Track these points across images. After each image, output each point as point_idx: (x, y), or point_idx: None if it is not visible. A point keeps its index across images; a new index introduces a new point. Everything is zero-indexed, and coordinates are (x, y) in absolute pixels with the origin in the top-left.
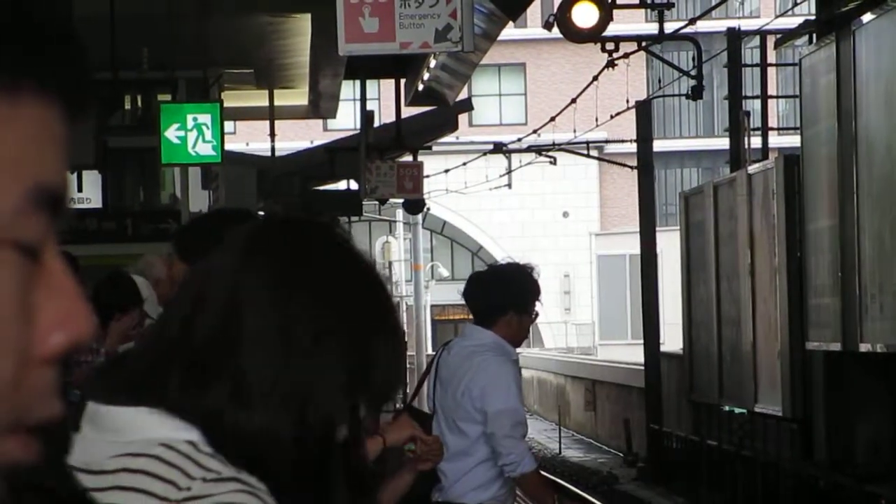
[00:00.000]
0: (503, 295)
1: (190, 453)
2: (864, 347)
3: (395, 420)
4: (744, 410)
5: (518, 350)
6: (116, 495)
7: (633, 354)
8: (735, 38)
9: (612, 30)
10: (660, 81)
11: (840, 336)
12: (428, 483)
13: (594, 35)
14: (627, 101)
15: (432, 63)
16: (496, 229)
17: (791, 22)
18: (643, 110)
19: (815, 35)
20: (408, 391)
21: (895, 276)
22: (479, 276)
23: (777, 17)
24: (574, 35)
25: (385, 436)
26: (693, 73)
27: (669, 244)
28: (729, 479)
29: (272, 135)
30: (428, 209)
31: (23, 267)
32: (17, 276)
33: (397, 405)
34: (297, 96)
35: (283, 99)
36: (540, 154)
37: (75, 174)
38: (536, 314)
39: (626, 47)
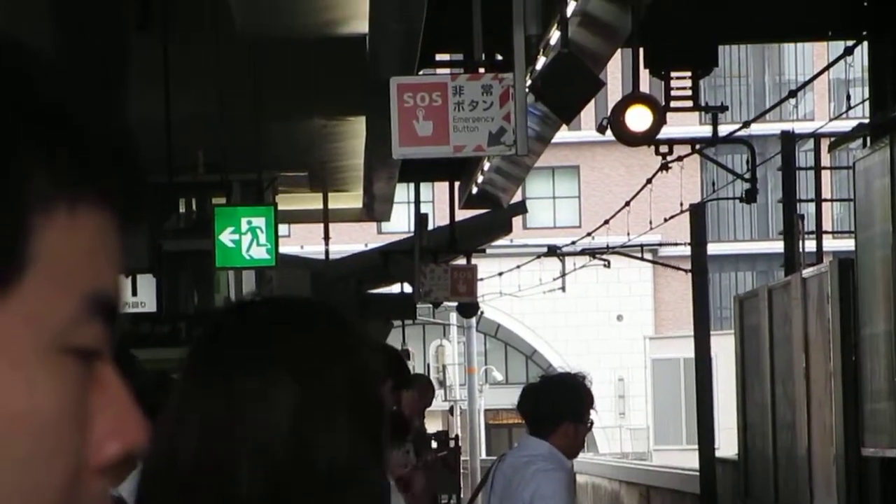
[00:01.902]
0: (558, 405)
1: None
2: None
3: None
4: None
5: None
6: None
7: (688, 459)
8: (789, 140)
9: (665, 132)
10: (714, 184)
11: None
12: None
13: (648, 138)
14: (681, 204)
15: (486, 166)
16: (550, 332)
17: (845, 125)
18: (697, 213)
19: (869, 138)
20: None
21: None
22: (533, 387)
23: (831, 120)
24: (628, 138)
25: None
26: (747, 175)
27: (724, 348)
28: None
29: (326, 238)
30: (482, 312)
31: (80, 374)
32: (74, 384)
33: None
34: (352, 199)
35: (338, 202)
36: (594, 257)
37: (130, 278)
38: (592, 423)
39: (679, 150)
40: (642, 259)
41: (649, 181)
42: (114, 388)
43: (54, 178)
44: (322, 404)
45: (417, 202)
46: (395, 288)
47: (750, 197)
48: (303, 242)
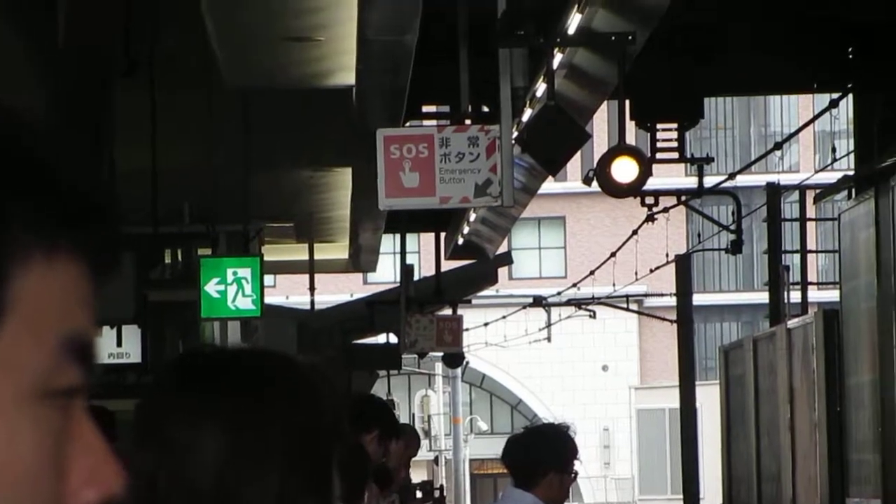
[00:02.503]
0: (542, 456)
1: None
2: None
3: None
4: None
5: None
6: None
7: None
8: (774, 192)
9: (651, 184)
10: (699, 235)
11: (881, 492)
12: None
13: (634, 189)
14: (667, 255)
15: (472, 217)
16: (535, 383)
17: (830, 177)
18: (683, 264)
19: (854, 190)
20: None
21: None
22: (518, 438)
23: (816, 172)
24: (613, 189)
25: None
26: (732, 227)
27: (709, 398)
28: None
29: (312, 288)
30: (467, 363)
31: (57, 420)
32: (53, 432)
33: None
34: (337, 250)
35: (323, 252)
36: (579, 308)
37: (115, 328)
38: (576, 473)
39: (665, 201)
40: (628, 309)
41: (635, 232)
42: (89, 434)
43: (31, 229)
44: (252, 456)
45: (403, 253)
46: (380, 338)
47: (735, 248)
48: (288, 293)
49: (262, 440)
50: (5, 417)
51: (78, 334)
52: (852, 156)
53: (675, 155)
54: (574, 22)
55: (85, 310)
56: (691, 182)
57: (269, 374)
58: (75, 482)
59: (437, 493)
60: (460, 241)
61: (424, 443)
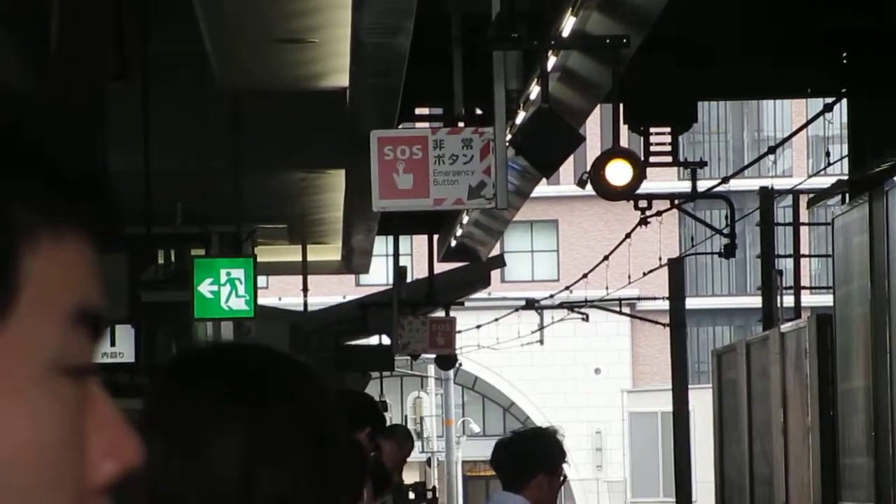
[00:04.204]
0: (531, 458)
1: None
2: None
3: None
4: None
5: None
6: None
7: None
8: (768, 197)
9: (645, 187)
10: (692, 239)
11: (874, 496)
12: None
13: (627, 193)
14: (660, 259)
15: (465, 219)
16: (528, 385)
17: (824, 181)
18: (676, 268)
19: (847, 195)
20: None
21: None
22: (507, 441)
23: (810, 176)
24: (607, 193)
25: None
26: (726, 231)
27: (702, 402)
28: None
29: (305, 290)
30: (460, 365)
31: (74, 395)
32: (71, 407)
33: None
34: (330, 251)
35: (316, 254)
36: (572, 310)
37: (108, 328)
38: (565, 476)
39: (658, 205)
40: (620, 313)
41: (628, 235)
42: (105, 407)
43: (39, 208)
44: (273, 455)
45: (396, 255)
46: (373, 340)
47: (728, 252)
48: (281, 294)
49: (282, 438)
50: (25, 397)
51: (88, 307)
52: (846, 160)
53: (669, 159)
54: (568, 25)
55: (92, 282)
56: (685, 186)
57: (278, 372)
58: (94, 455)
59: (429, 495)
60: (453, 243)
61: (417, 444)
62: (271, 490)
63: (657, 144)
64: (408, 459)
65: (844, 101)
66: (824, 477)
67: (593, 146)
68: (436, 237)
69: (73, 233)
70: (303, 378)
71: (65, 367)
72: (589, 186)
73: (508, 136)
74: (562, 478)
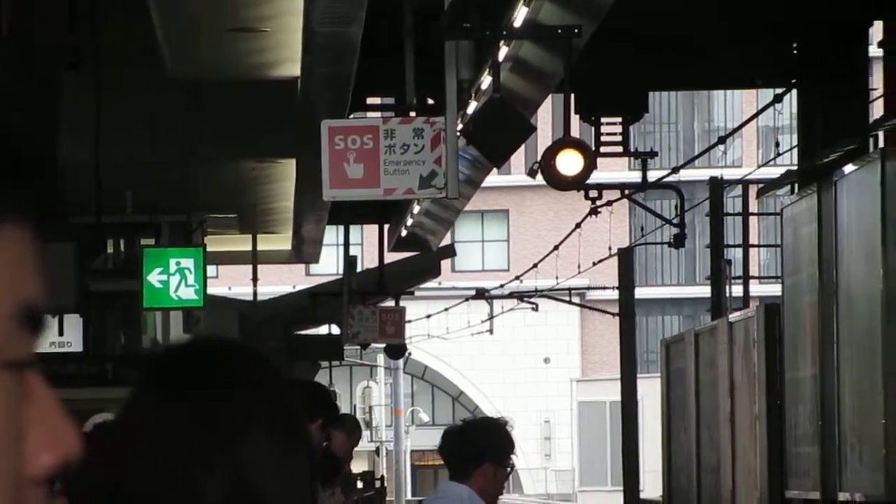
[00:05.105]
0: (478, 447)
1: None
2: (843, 497)
3: None
4: None
5: (500, 497)
6: None
7: (613, 501)
8: (717, 187)
9: (595, 177)
10: (642, 229)
11: (819, 485)
12: None
13: (578, 183)
14: (610, 249)
15: (416, 209)
16: (477, 375)
17: (773, 172)
18: (625, 258)
19: (796, 185)
20: None
21: (875, 425)
22: (454, 430)
23: (759, 167)
24: (558, 182)
25: None
26: (675, 221)
27: (650, 391)
28: None
29: (255, 279)
30: (409, 354)
31: (14, 387)
32: (11, 398)
33: None
34: (280, 241)
35: (267, 243)
36: (522, 300)
37: (56, 318)
38: (512, 466)
39: (609, 195)
40: (570, 302)
41: (578, 225)
42: (46, 399)
43: None
44: (279, 455)
45: (346, 244)
46: (322, 329)
47: (678, 242)
48: (231, 283)
49: (246, 424)
50: None
51: (30, 302)
52: (795, 151)
53: (620, 149)
54: (520, 15)
55: (34, 277)
56: (635, 176)
57: (257, 368)
58: (33, 447)
59: (377, 484)
60: (404, 233)
61: (365, 434)
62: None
63: (608, 134)
64: (356, 448)
65: (794, 91)
66: (771, 465)
67: (544, 136)
68: (386, 227)
69: (17, 222)
70: (267, 367)
71: (5, 361)
72: (540, 176)
73: (460, 126)
74: (509, 468)
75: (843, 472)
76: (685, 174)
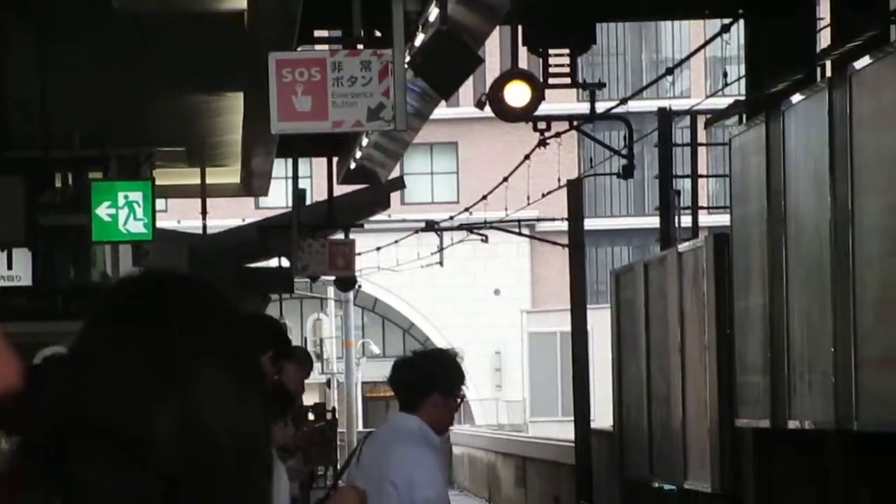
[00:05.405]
0: (428, 378)
1: None
2: (792, 425)
3: (340, 496)
4: (674, 487)
5: (451, 428)
6: None
7: (564, 431)
8: (666, 117)
9: (543, 109)
10: (591, 160)
11: (769, 413)
12: None
13: (526, 114)
14: (559, 180)
15: (364, 142)
16: (427, 307)
17: (721, 102)
18: (574, 189)
19: (744, 115)
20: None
21: (824, 354)
22: (403, 362)
23: (707, 97)
24: (506, 114)
25: None
26: (624, 152)
27: (600, 322)
28: None
29: (204, 213)
30: (359, 287)
31: None
32: None
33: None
34: (229, 174)
35: (215, 177)
36: (471, 232)
37: (5, 252)
38: (463, 397)
39: (557, 126)
40: (520, 234)
41: (527, 157)
42: None
43: None
44: (241, 388)
45: (295, 177)
46: (272, 262)
47: (627, 173)
48: (180, 217)
49: (244, 368)
50: None
51: None
52: (743, 81)
53: (568, 80)
54: None
55: None
56: (583, 107)
57: (214, 300)
58: None
59: (328, 416)
60: (352, 165)
61: (316, 366)
62: (184, 409)
63: (556, 66)
64: (307, 381)
65: (742, 21)
66: (721, 395)
67: (492, 68)
68: (335, 160)
69: None
70: (218, 300)
71: None
72: (488, 108)
73: (407, 59)
74: (459, 399)
75: (792, 401)
76: (633, 105)
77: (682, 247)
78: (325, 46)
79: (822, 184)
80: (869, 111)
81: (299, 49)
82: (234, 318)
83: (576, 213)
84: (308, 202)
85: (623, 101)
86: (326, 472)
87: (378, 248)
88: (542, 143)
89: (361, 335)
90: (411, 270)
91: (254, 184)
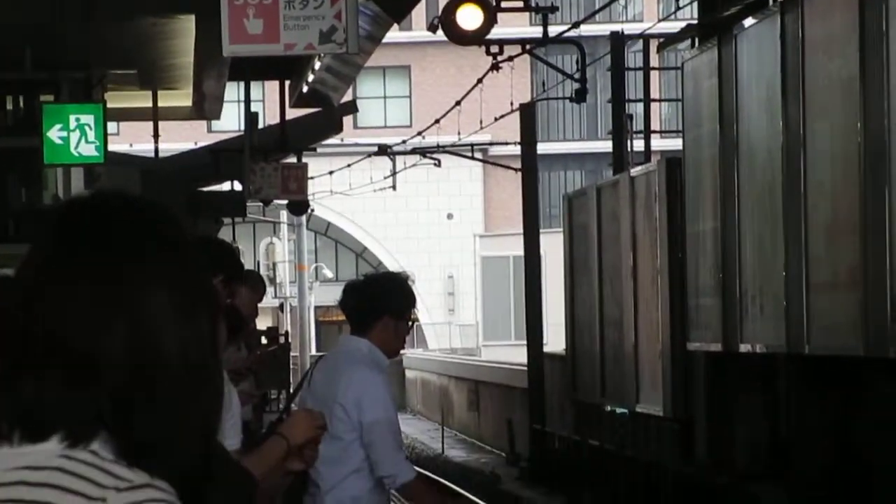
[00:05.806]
0: (378, 301)
1: (94, 462)
2: (744, 348)
3: (294, 419)
4: (626, 411)
5: (402, 351)
6: None
7: (517, 355)
8: (618, 41)
9: (496, 33)
10: (544, 84)
11: (721, 337)
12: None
13: (478, 38)
14: (511, 104)
15: (317, 65)
16: (380, 231)
17: (674, 26)
18: (527, 113)
19: (697, 39)
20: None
21: (775, 277)
22: (354, 285)
23: (660, 20)
24: (458, 38)
25: (288, 436)
26: (577, 76)
27: (553, 246)
28: (611, 478)
29: (156, 136)
30: (312, 211)
31: None
32: None
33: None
34: (181, 97)
35: (167, 100)
36: (424, 156)
37: None
38: (414, 321)
39: (510, 50)
40: (472, 158)
41: (480, 81)
42: None
43: None
44: (184, 309)
45: (248, 101)
46: (225, 186)
47: (579, 97)
48: (132, 140)
49: (188, 290)
50: None
51: None
52: (695, 5)
53: (520, 3)
54: None
55: None
56: (536, 31)
57: (166, 225)
58: None
59: (281, 340)
60: (305, 89)
61: (269, 290)
62: (135, 331)
63: None
64: (260, 305)
65: None
66: (673, 318)
67: None
68: (287, 83)
69: None
70: (170, 223)
71: None
72: (441, 32)
73: None
74: (410, 322)
75: (743, 325)
76: (586, 29)
77: (635, 171)
78: None
79: (774, 108)
80: (821, 35)
81: None
82: (184, 239)
83: (528, 138)
84: (260, 126)
85: (576, 25)
86: (279, 395)
87: (331, 172)
88: (495, 66)
89: (314, 259)
90: (364, 194)
91: (206, 107)
